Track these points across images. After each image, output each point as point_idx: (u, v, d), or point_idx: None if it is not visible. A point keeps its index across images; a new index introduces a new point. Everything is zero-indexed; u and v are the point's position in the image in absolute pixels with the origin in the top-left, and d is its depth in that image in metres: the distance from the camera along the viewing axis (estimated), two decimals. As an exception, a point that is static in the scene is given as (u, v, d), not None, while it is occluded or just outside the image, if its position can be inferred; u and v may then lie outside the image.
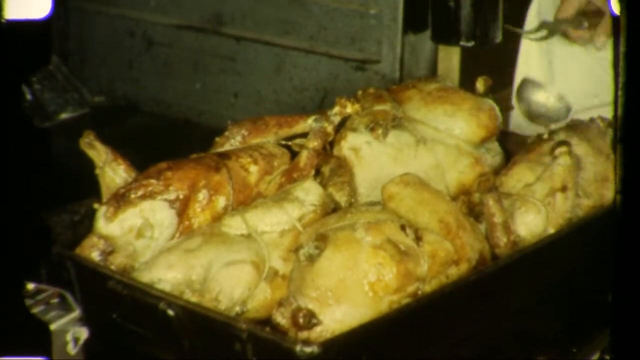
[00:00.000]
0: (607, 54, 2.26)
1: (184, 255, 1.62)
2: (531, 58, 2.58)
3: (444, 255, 1.61)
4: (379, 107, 1.98)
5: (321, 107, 3.04)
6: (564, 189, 1.83)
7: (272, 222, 1.69)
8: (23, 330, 1.43)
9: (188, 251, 1.63)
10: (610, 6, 1.38)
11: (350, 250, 1.54)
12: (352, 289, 1.52)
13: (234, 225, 1.68)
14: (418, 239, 1.59)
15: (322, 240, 1.56)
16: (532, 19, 2.60)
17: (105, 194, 1.74)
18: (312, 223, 1.70)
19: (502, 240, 1.74)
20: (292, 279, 1.57)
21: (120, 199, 1.67)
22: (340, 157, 1.92)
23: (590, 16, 2.20)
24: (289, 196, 1.74)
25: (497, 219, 1.75)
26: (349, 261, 1.53)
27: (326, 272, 1.52)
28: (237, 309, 1.61)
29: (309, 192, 1.75)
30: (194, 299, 1.57)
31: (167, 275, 1.60)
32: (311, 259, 1.54)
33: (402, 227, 1.58)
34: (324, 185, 1.83)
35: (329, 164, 1.90)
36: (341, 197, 1.83)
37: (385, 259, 1.53)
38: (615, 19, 1.35)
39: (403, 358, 1.52)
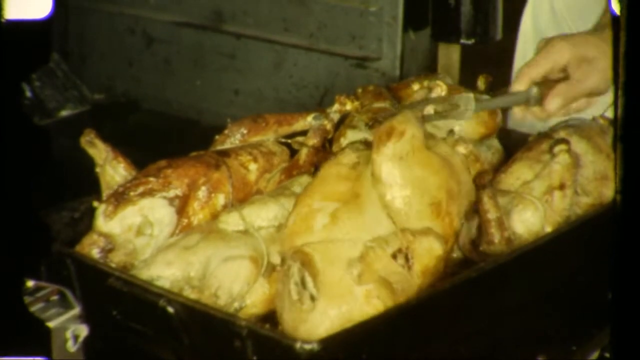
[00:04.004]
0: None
1: (182, 253, 1.63)
2: (528, 56, 2.58)
3: (434, 265, 1.60)
4: (378, 105, 1.99)
5: (321, 105, 3.05)
6: (562, 187, 1.83)
7: (269, 216, 1.69)
8: (22, 330, 1.43)
9: (186, 248, 1.64)
10: (610, 6, 1.38)
11: (345, 303, 1.51)
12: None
13: (231, 221, 1.68)
14: (407, 260, 1.57)
15: (307, 265, 1.53)
16: (527, 17, 2.60)
17: (106, 192, 1.74)
18: None
19: (496, 236, 1.75)
20: (284, 311, 1.55)
21: (120, 197, 1.68)
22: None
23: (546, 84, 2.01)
24: (286, 191, 1.74)
25: (492, 215, 1.75)
26: (345, 315, 1.51)
27: (320, 325, 1.51)
28: (236, 304, 1.61)
29: None
30: (193, 295, 1.57)
31: (165, 272, 1.60)
32: (301, 300, 1.53)
33: (394, 256, 1.57)
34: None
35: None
36: None
37: (379, 307, 1.52)
38: (615, 19, 1.35)
39: (403, 355, 1.52)
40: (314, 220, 1.58)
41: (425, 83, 1.95)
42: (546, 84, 1.99)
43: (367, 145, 1.68)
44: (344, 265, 1.53)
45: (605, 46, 1.99)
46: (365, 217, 1.58)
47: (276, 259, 1.65)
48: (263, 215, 1.69)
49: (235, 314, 1.57)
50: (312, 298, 1.51)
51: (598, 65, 1.99)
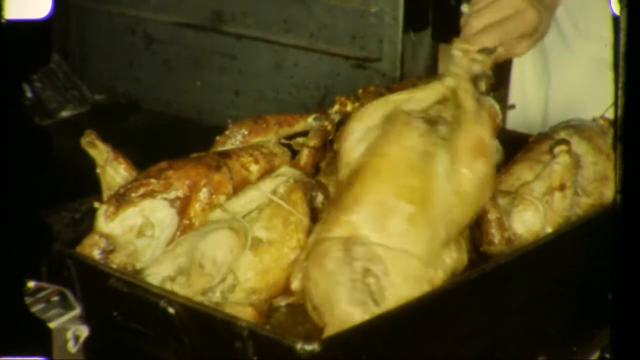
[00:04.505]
0: (606, 55, 2.26)
1: (170, 249, 1.66)
2: (526, 58, 2.58)
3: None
4: (379, 105, 1.98)
5: (322, 105, 3.04)
6: (562, 187, 1.83)
7: (247, 200, 1.72)
8: (23, 330, 1.43)
9: (173, 246, 1.66)
10: (610, 6, 1.38)
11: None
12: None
13: (215, 216, 1.70)
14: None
15: (382, 272, 1.55)
16: None
17: (106, 193, 1.74)
18: (289, 192, 1.71)
19: (496, 237, 1.75)
20: (339, 300, 1.54)
21: (121, 198, 1.68)
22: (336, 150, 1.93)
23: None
24: (264, 178, 1.79)
25: (492, 215, 1.75)
26: None
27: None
28: (230, 280, 1.62)
29: (284, 173, 1.78)
30: (183, 280, 1.57)
31: (157, 269, 1.61)
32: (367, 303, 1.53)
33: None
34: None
35: (326, 159, 1.91)
36: (330, 182, 1.83)
37: None
38: (615, 19, 1.35)
39: (403, 355, 1.52)
40: (388, 221, 1.57)
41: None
42: None
43: (431, 124, 1.67)
44: (415, 287, 1.55)
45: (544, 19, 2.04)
46: (433, 230, 1.60)
47: (261, 234, 1.66)
48: (242, 201, 1.72)
49: (236, 316, 1.57)
50: (376, 302, 1.52)
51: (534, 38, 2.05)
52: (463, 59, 1.79)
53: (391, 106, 1.71)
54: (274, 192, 1.73)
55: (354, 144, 1.68)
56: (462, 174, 1.63)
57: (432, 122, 1.69)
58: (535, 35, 2.03)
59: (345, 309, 1.51)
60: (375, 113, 1.70)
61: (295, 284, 1.62)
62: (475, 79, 1.82)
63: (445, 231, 1.59)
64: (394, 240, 1.56)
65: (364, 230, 1.57)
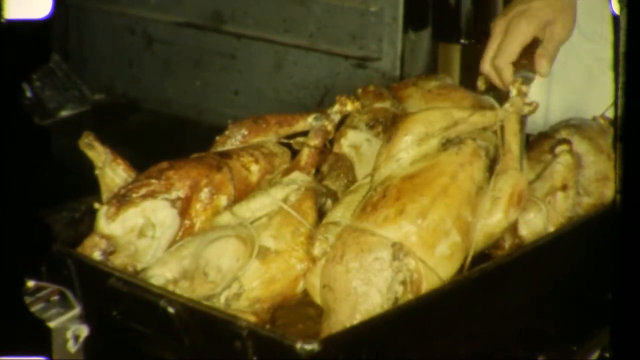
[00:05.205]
0: (607, 55, 2.26)
1: (175, 251, 1.64)
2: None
3: None
4: (379, 105, 1.99)
5: (321, 105, 3.05)
6: (564, 187, 1.83)
7: (257, 206, 1.70)
8: (23, 330, 1.43)
9: (178, 247, 1.65)
10: (610, 6, 1.38)
11: None
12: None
13: (223, 221, 1.69)
14: None
15: (415, 284, 1.57)
16: None
17: (105, 194, 1.74)
18: (301, 201, 1.70)
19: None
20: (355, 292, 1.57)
21: (122, 199, 1.67)
22: (339, 153, 1.92)
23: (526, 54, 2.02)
24: (275, 184, 1.77)
25: None
26: None
27: None
28: (235, 289, 1.61)
29: (295, 180, 1.76)
30: (186, 284, 1.57)
31: (161, 270, 1.60)
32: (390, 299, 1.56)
33: None
34: (319, 180, 1.84)
35: (327, 161, 1.91)
36: (338, 188, 1.83)
37: None
38: (615, 19, 1.35)
39: (403, 355, 1.52)
40: (438, 242, 1.60)
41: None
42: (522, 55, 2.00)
43: (489, 159, 1.74)
44: None
45: (556, 4, 2.03)
46: (460, 264, 1.64)
47: (269, 243, 1.65)
48: (251, 206, 1.70)
49: (236, 315, 1.57)
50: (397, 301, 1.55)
51: (559, 24, 2.03)
52: (519, 100, 1.84)
53: (451, 122, 1.74)
54: (285, 199, 1.72)
55: (406, 144, 1.71)
56: (497, 217, 1.69)
57: (490, 156, 1.75)
58: (545, 37, 2.03)
59: (369, 313, 1.53)
60: (436, 122, 1.73)
61: (317, 250, 1.63)
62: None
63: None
64: (434, 262, 1.59)
65: (415, 240, 1.59)
